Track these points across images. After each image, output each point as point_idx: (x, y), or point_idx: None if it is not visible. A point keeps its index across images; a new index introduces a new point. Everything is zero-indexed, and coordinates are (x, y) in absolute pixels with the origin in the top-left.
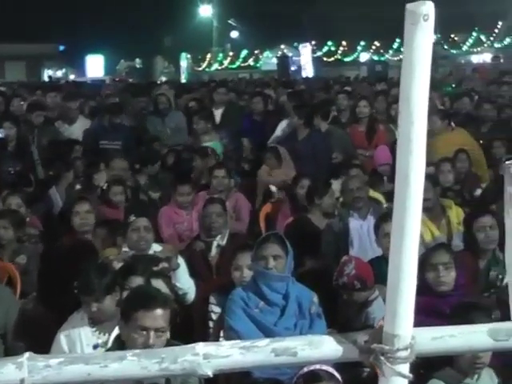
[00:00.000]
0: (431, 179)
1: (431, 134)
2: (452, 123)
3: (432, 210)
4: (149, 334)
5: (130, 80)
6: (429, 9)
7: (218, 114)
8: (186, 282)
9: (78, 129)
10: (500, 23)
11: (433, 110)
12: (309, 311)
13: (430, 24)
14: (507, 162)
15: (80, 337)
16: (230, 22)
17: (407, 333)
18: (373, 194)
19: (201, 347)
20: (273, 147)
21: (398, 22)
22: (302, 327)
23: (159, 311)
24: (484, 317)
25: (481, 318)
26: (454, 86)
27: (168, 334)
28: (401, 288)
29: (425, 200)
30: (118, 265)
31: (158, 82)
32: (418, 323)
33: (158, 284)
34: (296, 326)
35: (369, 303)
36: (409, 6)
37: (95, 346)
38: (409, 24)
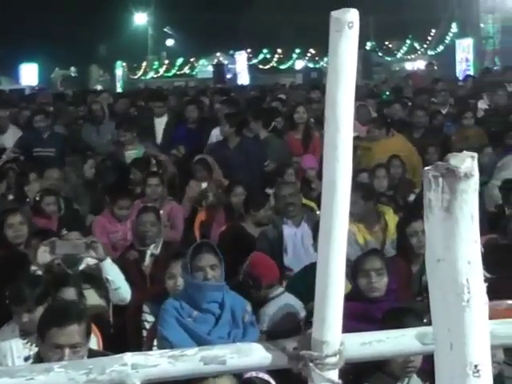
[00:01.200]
0: (361, 191)
1: (371, 139)
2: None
3: (367, 216)
4: (63, 351)
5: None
6: (353, 16)
7: (161, 122)
8: (116, 275)
9: (8, 138)
10: (433, 31)
11: (368, 117)
12: (242, 320)
13: (355, 31)
14: (426, 168)
15: (11, 349)
16: (165, 30)
17: (336, 339)
18: (305, 201)
19: (129, 357)
20: (201, 159)
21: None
22: (236, 336)
23: (73, 327)
24: (415, 321)
25: (412, 323)
26: (388, 93)
27: (87, 348)
28: (329, 294)
29: (352, 214)
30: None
31: (94, 90)
32: (351, 329)
33: (90, 294)
34: (230, 335)
35: (266, 302)
36: (333, 13)
37: (26, 358)
38: (334, 31)
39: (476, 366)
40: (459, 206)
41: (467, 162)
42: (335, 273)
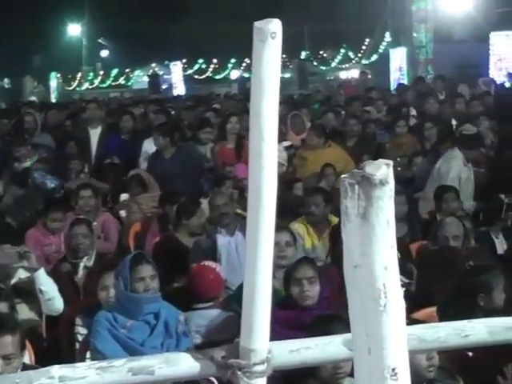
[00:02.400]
0: (323, 195)
1: (307, 149)
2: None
3: (318, 223)
4: None
5: None
6: (276, 26)
7: (96, 133)
8: (50, 286)
9: None
10: (367, 40)
11: (302, 126)
12: (176, 330)
13: (278, 41)
14: (342, 176)
15: None
16: (99, 41)
17: (263, 347)
18: (239, 210)
19: (56, 370)
20: (134, 175)
21: None
22: (169, 346)
23: (6, 338)
24: (343, 328)
25: (339, 329)
26: (317, 105)
27: (21, 360)
28: (256, 302)
29: (312, 214)
30: None
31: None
32: (283, 337)
33: (22, 309)
34: (163, 345)
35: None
36: (257, 23)
37: None
38: (257, 41)
39: (394, 370)
40: (375, 212)
41: (382, 170)
42: (262, 280)
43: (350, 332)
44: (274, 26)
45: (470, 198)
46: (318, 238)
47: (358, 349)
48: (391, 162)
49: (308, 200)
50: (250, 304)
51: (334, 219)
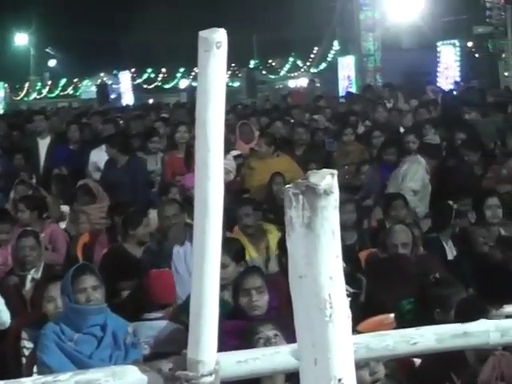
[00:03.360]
0: (253, 204)
1: (256, 158)
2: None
3: (253, 234)
4: None
5: None
6: (221, 36)
7: (44, 143)
8: None
9: None
10: (316, 49)
11: (251, 135)
12: (124, 342)
13: (223, 51)
14: (287, 186)
15: None
16: (47, 50)
17: (211, 358)
18: (189, 220)
19: None
20: (82, 185)
21: None
22: (118, 358)
23: None
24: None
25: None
26: (270, 111)
27: None
28: (203, 314)
29: (246, 226)
30: None
31: None
32: (233, 347)
33: None
34: (111, 358)
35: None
36: (202, 33)
37: None
38: (202, 51)
39: (340, 380)
40: (320, 222)
41: (327, 180)
42: (209, 292)
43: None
44: (219, 35)
45: (427, 204)
46: (256, 249)
47: (304, 359)
48: (336, 172)
49: (238, 212)
50: (197, 316)
51: (270, 227)
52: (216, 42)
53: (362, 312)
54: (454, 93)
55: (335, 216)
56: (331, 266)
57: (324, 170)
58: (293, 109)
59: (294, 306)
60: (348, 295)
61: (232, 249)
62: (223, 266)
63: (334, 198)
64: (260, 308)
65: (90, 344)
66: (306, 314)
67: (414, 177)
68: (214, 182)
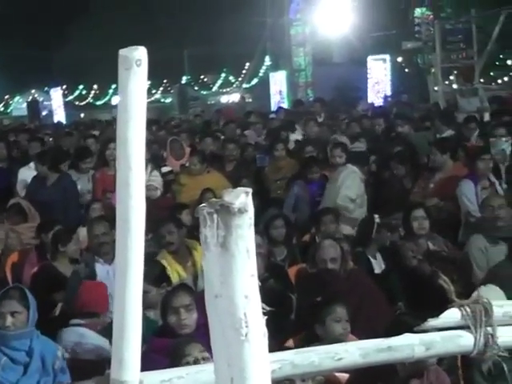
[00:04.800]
0: (175, 222)
1: (187, 174)
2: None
3: (178, 252)
4: None
5: None
6: (141, 54)
7: None
8: None
9: None
10: (247, 64)
11: (181, 151)
12: (53, 367)
13: (144, 69)
14: (201, 205)
15: None
16: None
17: (134, 378)
18: None
19: None
20: (14, 204)
21: (150, 64)
22: None
23: None
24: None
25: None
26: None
27: None
28: (126, 333)
29: (169, 243)
30: None
31: None
32: (160, 365)
33: None
34: None
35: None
36: (122, 51)
37: None
38: (122, 69)
39: None
40: (234, 241)
41: (241, 198)
42: (132, 312)
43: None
44: (140, 53)
45: (365, 211)
46: (183, 268)
47: (220, 379)
48: (250, 190)
49: (161, 231)
50: (120, 335)
51: (195, 244)
52: (136, 60)
53: (293, 328)
54: (385, 106)
55: (250, 234)
56: (246, 284)
57: (239, 188)
58: (223, 125)
59: (210, 326)
60: (264, 313)
61: (151, 273)
62: (144, 293)
63: (249, 217)
64: (189, 326)
65: (16, 371)
66: (221, 334)
67: (350, 185)
68: (135, 201)
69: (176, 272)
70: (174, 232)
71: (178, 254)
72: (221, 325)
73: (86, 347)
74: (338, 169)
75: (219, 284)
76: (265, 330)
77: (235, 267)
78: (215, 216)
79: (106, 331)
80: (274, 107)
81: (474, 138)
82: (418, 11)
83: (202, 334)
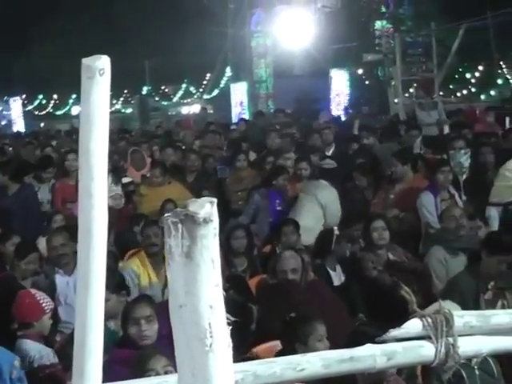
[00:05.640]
0: (160, 227)
1: (148, 185)
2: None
3: (156, 256)
4: None
5: None
6: (105, 63)
7: None
8: None
9: None
10: (208, 75)
11: (142, 162)
12: (10, 376)
13: (107, 78)
14: (166, 215)
15: None
16: None
17: None
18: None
19: None
20: None
21: (111, 74)
22: None
23: None
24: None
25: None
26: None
27: None
28: (87, 344)
29: (153, 245)
30: None
31: None
32: (123, 376)
33: None
34: None
35: None
36: (85, 60)
37: None
38: (85, 78)
39: None
40: (199, 251)
41: (206, 208)
42: (93, 322)
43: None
44: (103, 62)
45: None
46: (156, 273)
47: None
48: (215, 200)
49: (147, 231)
50: (81, 346)
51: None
52: (99, 69)
53: (254, 338)
54: (346, 118)
55: (215, 244)
56: (211, 294)
57: (204, 198)
58: (184, 135)
59: (175, 336)
60: (229, 324)
61: (110, 281)
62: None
63: (214, 227)
64: (149, 337)
65: None
66: (186, 344)
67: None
68: (97, 211)
69: (148, 276)
70: (160, 235)
71: (156, 259)
72: (185, 335)
73: (32, 358)
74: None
75: (184, 294)
76: (229, 341)
77: (200, 277)
78: (180, 226)
79: (64, 348)
80: (235, 118)
81: (417, 145)
82: (378, 24)
83: (163, 345)
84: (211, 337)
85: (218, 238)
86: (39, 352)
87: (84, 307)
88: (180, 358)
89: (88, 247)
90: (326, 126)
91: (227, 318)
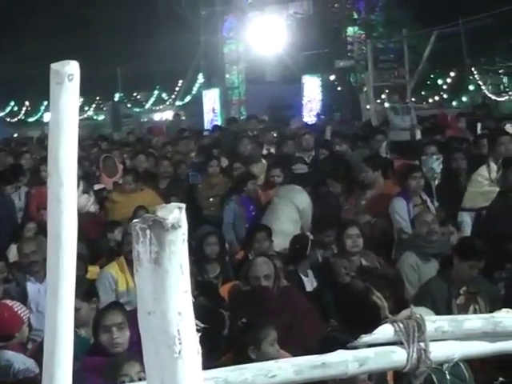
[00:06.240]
0: None
1: (120, 192)
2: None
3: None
4: None
5: None
6: (73, 68)
7: None
8: None
9: None
10: (180, 81)
11: (114, 169)
12: None
13: (75, 83)
14: (134, 221)
15: None
16: None
17: None
18: None
19: None
20: None
21: (82, 81)
22: None
23: None
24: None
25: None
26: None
27: None
28: (57, 352)
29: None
30: None
31: None
32: None
33: None
34: None
35: None
36: (53, 65)
37: None
38: (54, 84)
39: None
40: (168, 257)
41: (175, 214)
42: (63, 330)
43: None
44: (71, 67)
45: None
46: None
47: None
48: (184, 206)
49: (128, 238)
50: (51, 354)
51: None
52: (68, 75)
53: (227, 345)
54: (318, 124)
55: (184, 250)
56: (180, 301)
57: (172, 203)
58: (157, 142)
59: (143, 343)
60: (198, 330)
61: (80, 289)
62: (75, 310)
63: (182, 232)
64: (121, 345)
65: None
66: (155, 351)
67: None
68: (67, 217)
69: (126, 281)
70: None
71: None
72: (154, 342)
73: (16, 369)
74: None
75: (152, 300)
76: (199, 347)
77: (168, 283)
78: (148, 232)
79: (37, 355)
80: (207, 125)
81: (383, 149)
82: (350, 30)
83: (135, 352)
84: (180, 344)
85: (186, 243)
86: (23, 363)
87: (54, 314)
88: (149, 365)
89: (57, 253)
90: (305, 131)
91: (197, 325)
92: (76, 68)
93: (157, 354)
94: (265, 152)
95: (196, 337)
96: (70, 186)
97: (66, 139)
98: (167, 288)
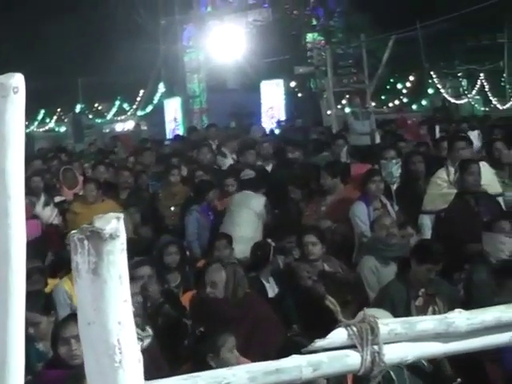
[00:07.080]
0: None
1: (81, 203)
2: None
3: None
4: None
5: None
6: (18, 81)
7: None
8: None
9: None
10: (141, 91)
11: (74, 181)
12: None
13: (21, 96)
14: (72, 232)
15: None
16: None
17: None
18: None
19: None
20: None
21: (40, 92)
22: None
23: None
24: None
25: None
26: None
27: None
28: (8, 364)
29: None
30: None
31: None
32: None
33: None
34: None
35: None
36: None
37: None
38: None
39: None
40: (106, 267)
41: (112, 224)
42: (14, 345)
43: None
44: (16, 80)
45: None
46: None
47: None
48: (122, 216)
49: None
50: (2, 367)
51: None
52: (13, 88)
53: (188, 353)
54: (278, 132)
55: (122, 260)
56: (119, 311)
57: (110, 213)
58: (117, 151)
59: (84, 353)
60: (139, 339)
61: (40, 303)
62: (35, 324)
63: (121, 242)
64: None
65: None
66: (96, 361)
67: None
68: (15, 231)
69: None
70: None
71: None
72: (94, 352)
73: None
74: (240, 194)
75: (92, 311)
76: (140, 356)
77: (108, 293)
78: (86, 242)
79: None
80: (169, 134)
81: (344, 154)
82: (309, 36)
83: None
84: (120, 353)
85: (125, 253)
86: None
87: (4, 330)
88: (90, 374)
89: (6, 267)
90: (266, 139)
91: (137, 334)
92: (21, 81)
93: (98, 364)
94: (231, 161)
95: (137, 346)
96: (17, 199)
97: (12, 152)
98: (106, 298)
